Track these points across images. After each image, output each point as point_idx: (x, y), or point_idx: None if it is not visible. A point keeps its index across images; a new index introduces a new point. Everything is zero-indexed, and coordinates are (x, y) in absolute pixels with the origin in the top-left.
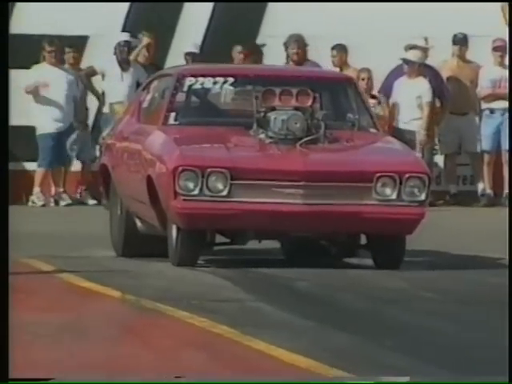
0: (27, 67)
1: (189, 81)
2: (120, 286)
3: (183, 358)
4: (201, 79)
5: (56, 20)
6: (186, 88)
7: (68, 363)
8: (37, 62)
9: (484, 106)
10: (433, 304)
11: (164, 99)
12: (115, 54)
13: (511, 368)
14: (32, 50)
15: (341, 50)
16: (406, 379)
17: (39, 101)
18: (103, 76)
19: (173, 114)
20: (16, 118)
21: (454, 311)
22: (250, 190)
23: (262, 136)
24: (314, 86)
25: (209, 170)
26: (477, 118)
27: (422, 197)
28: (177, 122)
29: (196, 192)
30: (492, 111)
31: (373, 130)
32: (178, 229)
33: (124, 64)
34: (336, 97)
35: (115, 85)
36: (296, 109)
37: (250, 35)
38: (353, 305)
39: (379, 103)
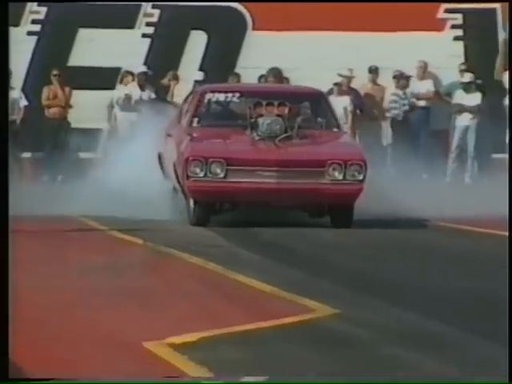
0: (107, 88)
1: (208, 95)
2: (143, 237)
3: (186, 285)
4: (216, 94)
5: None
6: (206, 100)
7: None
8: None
9: (387, 114)
10: (365, 250)
11: (191, 108)
12: (133, 80)
13: (511, 368)
14: (98, 77)
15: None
16: (404, 378)
17: (124, 109)
18: (130, 99)
19: (196, 119)
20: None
21: (373, 255)
22: (240, 173)
23: (253, 135)
24: (294, 99)
25: (211, 159)
26: (383, 123)
27: (361, 177)
28: (199, 125)
29: (202, 175)
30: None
31: (335, 130)
32: (195, 200)
33: (142, 87)
34: (311, 105)
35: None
36: (277, 115)
37: (230, 67)
38: (304, 250)
39: None
